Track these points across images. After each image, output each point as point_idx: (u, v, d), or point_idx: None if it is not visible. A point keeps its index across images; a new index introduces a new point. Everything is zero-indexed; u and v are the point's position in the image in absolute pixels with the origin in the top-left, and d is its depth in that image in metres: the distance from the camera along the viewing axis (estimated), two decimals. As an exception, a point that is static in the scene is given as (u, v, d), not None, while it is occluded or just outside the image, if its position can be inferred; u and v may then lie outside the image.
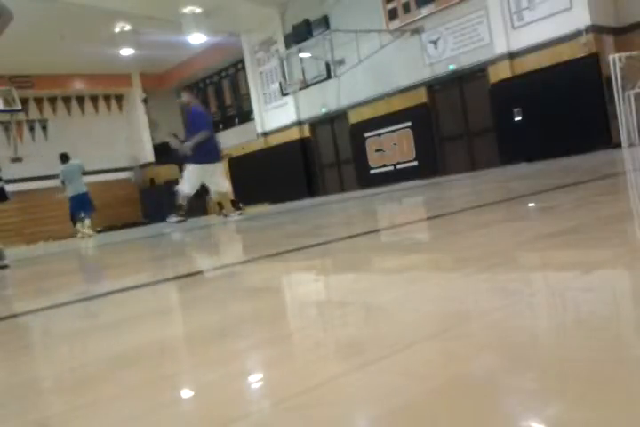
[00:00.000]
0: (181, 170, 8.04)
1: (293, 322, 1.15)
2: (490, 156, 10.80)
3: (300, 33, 12.87)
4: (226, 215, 8.02)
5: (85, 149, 18.23)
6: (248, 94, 16.57)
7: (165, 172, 19.37)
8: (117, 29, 14.96)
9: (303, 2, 13.68)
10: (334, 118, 14.04)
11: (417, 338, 0.81)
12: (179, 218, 7.71)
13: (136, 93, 19.15)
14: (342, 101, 13.53)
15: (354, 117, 13.33)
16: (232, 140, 18.10)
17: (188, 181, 7.52)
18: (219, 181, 7.69)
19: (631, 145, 8.74)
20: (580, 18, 9.20)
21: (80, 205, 11.07)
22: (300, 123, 14.89)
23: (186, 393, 0.78)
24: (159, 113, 19.91)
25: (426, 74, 11.68)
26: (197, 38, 14.67)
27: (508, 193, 3.98)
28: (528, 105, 9.87)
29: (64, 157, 11.52)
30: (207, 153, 7.34)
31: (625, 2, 9.54)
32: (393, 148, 12.49)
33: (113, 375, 0.89)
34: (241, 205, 8.33)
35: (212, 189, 7.81)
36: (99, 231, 13.76)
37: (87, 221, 11.13)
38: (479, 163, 11.15)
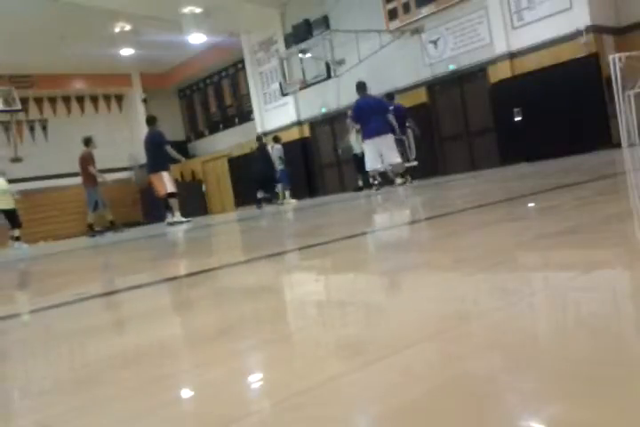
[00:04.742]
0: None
1: (294, 322, 1.15)
2: (490, 156, 10.79)
3: (300, 33, 12.85)
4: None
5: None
6: (248, 94, 16.56)
7: (165, 172, 19.34)
8: (117, 29, 14.94)
9: (303, 2, 13.67)
10: (334, 118, 14.03)
11: (417, 338, 0.80)
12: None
13: (136, 93, 19.13)
14: (342, 101, 13.51)
15: (354, 117, 13.30)
16: (232, 140, 18.09)
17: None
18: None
19: (631, 145, 8.73)
20: (580, 18, 9.19)
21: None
22: (299, 123, 14.88)
23: (186, 393, 0.78)
24: (159, 113, 19.87)
25: (426, 74, 11.67)
26: (197, 38, 14.67)
27: (508, 193, 3.98)
28: (528, 105, 9.86)
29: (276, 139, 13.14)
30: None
31: (625, 2, 9.53)
32: (393, 148, 12.46)
33: (113, 375, 0.89)
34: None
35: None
36: (98, 231, 13.73)
37: (287, 193, 12.99)
38: (479, 163, 11.14)
